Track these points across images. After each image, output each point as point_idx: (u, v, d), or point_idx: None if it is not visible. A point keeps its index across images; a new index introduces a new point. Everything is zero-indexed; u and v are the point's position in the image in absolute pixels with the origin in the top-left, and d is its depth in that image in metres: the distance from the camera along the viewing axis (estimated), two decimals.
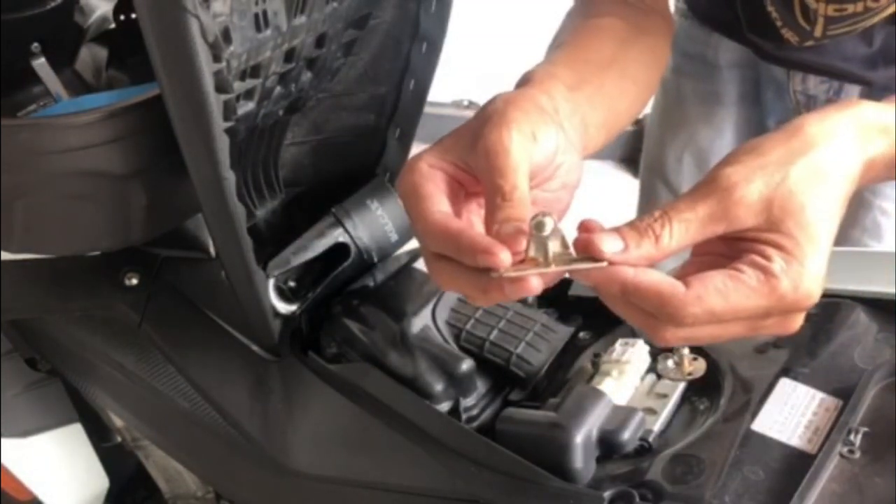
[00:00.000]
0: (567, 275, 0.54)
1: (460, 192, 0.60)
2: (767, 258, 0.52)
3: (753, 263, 0.52)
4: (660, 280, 0.52)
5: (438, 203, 0.56)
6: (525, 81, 0.66)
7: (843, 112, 0.56)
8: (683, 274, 0.54)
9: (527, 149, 0.57)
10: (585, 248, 0.52)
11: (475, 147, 0.57)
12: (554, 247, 0.52)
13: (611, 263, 0.52)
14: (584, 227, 0.54)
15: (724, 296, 0.51)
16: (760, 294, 0.51)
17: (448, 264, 0.55)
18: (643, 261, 0.52)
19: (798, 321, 0.54)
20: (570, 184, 0.62)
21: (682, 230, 0.52)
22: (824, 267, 0.53)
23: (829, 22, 0.93)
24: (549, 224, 0.51)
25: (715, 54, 1.13)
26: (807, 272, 0.52)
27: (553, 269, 0.52)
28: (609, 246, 0.52)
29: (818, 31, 0.95)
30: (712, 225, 0.53)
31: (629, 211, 1.39)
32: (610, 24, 0.79)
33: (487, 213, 0.55)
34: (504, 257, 0.51)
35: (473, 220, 0.61)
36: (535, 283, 0.52)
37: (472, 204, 0.61)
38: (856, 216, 1.09)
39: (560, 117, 0.62)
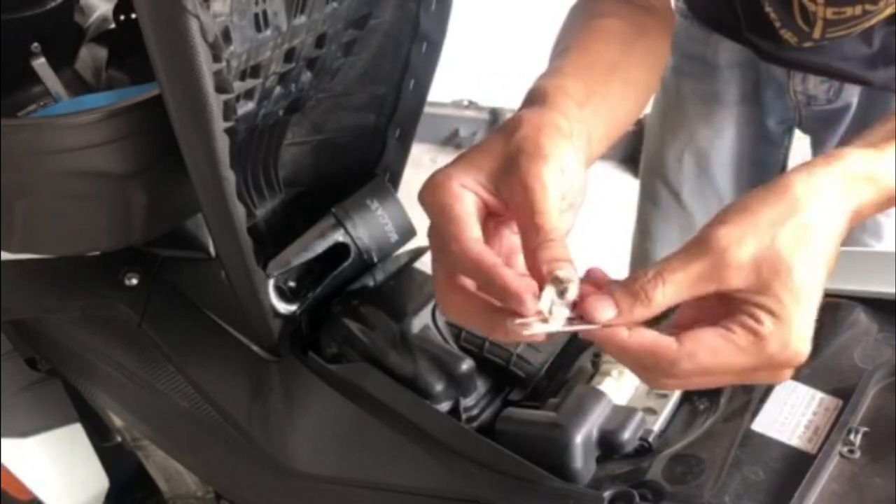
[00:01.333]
0: None
1: (490, 220, 0.60)
2: (757, 320, 0.53)
3: (743, 325, 0.54)
4: (653, 340, 0.54)
5: (472, 229, 0.57)
6: (539, 98, 0.66)
7: (829, 167, 0.57)
8: (677, 320, 0.57)
9: (559, 184, 0.58)
10: (582, 314, 0.54)
11: (509, 176, 0.58)
12: (562, 305, 0.54)
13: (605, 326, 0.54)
14: (590, 278, 0.56)
15: (715, 353, 0.53)
16: (750, 353, 0.53)
17: (461, 296, 0.57)
18: (636, 322, 0.55)
19: (787, 374, 0.56)
20: (576, 204, 0.62)
21: (674, 290, 0.54)
22: (811, 327, 0.54)
23: (828, 25, 0.93)
24: (572, 289, 0.54)
25: (714, 54, 1.13)
26: (795, 333, 0.53)
27: (557, 328, 0.54)
28: (603, 314, 0.54)
29: (817, 33, 0.95)
30: (703, 285, 0.54)
31: (629, 211, 1.39)
32: (613, 26, 0.79)
33: (527, 250, 0.56)
34: (531, 307, 0.53)
35: (504, 247, 0.62)
36: (540, 337, 0.55)
37: (502, 230, 0.61)
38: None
39: (573, 140, 0.62)
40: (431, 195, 0.58)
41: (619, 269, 0.74)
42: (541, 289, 0.54)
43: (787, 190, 0.56)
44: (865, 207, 0.58)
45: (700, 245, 0.54)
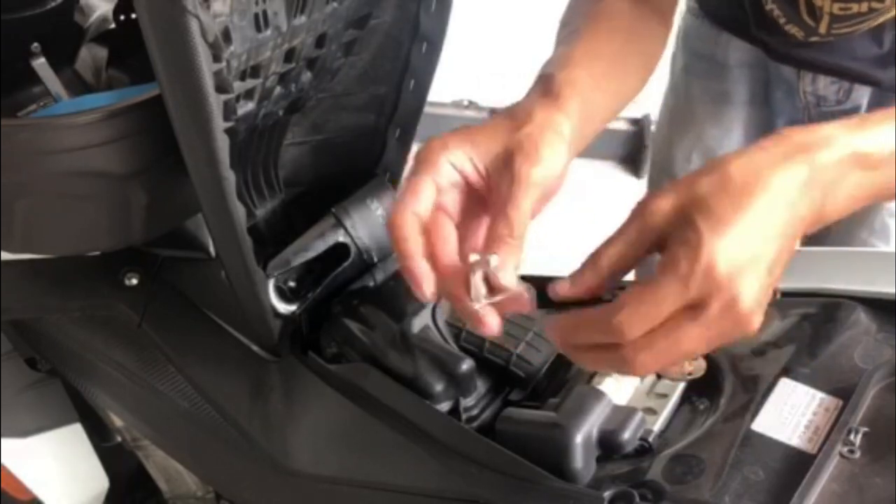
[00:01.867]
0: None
1: (468, 196, 0.65)
2: (674, 254, 0.54)
3: (663, 262, 0.54)
4: (588, 309, 0.57)
5: (421, 203, 0.61)
6: (549, 90, 0.68)
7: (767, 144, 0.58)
8: None
9: (543, 185, 0.62)
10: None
11: (502, 167, 0.62)
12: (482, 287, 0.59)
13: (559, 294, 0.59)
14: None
15: (640, 293, 0.54)
16: (670, 287, 0.53)
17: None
18: (585, 284, 0.58)
19: (743, 311, 0.53)
20: (551, 194, 0.65)
21: (614, 248, 0.57)
22: (740, 253, 0.53)
23: (833, 20, 0.93)
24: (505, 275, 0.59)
25: (724, 53, 1.13)
26: (714, 260, 0.52)
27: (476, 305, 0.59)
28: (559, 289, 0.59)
29: (823, 28, 0.94)
30: (635, 233, 0.56)
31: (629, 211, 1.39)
32: (619, 10, 0.80)
33: (491, 234, 0.60)
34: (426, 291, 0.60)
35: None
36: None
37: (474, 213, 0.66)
38: (864, 217, 1.09)
39: (569, 141, 0.65)
40: (419, 155, 0.64)
41: None
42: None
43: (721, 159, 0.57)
44: (828, 170, 0.56)
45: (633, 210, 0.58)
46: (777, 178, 0.54)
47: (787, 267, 0.57)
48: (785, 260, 0.57)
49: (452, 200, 0.64)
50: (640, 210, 0.56)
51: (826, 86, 1.06)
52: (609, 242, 0.57)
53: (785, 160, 0.55)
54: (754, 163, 0.54)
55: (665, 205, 0.55)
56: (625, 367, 0.56)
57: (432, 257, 0.61)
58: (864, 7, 0.90)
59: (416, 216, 0.61)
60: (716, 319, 0.53)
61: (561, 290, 0.59)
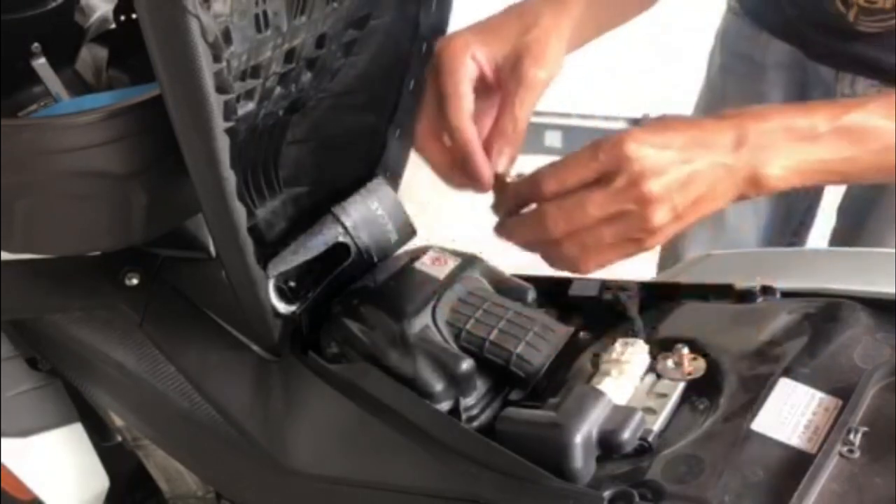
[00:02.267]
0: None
1: (479, 86, 0.74)
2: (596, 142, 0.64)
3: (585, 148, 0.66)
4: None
5: (469, 102, 0.72)
6: None
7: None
8: None
9: (545, 84, 0.72)
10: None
11: (511, 68, 0.72)
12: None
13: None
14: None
15: (560, 160, 0.65)
16: (585, 150, 0.64)
17: (438, 148, 0.75)
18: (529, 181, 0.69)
19: (646, 194, 0.62)
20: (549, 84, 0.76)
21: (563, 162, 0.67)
22: (653, 149, 0.62)
23: (861, 12, 0.93)
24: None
25: (763, 54, 1.13)
26: (621, 135, 0.62)
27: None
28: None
29: (851, 16, 0.94)
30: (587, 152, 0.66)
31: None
32: None
33: (497, 127, 0.71)
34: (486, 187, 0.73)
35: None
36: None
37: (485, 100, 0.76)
38: (893, 216, 1.09)
39: (571, 40, 0.75)
40: (447, 54, 0.73)
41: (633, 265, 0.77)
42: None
43: None
44: (758, 136, 0.65)
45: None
46: (706, 130, 0.64)
47: (709, 213, 0.66)
48: (704, 194, 0.64)
49: (471, 97, 0.74)
50: (594, 142, 0.66)
51: (865, 88, 1.04)
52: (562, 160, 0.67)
53: (719, 121, 0.65)
54: (692, 119, 0.67)
55: (613, 141, 0.64)
56: (540, 226, 0.65)
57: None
58: (889, 3, 0.89)
59: (469, 116, 0.72)
60: (620, 191, 0.62)
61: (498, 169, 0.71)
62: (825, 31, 1.00)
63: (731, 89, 1.19)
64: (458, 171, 0.74)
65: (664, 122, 0.63)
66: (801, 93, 1.12)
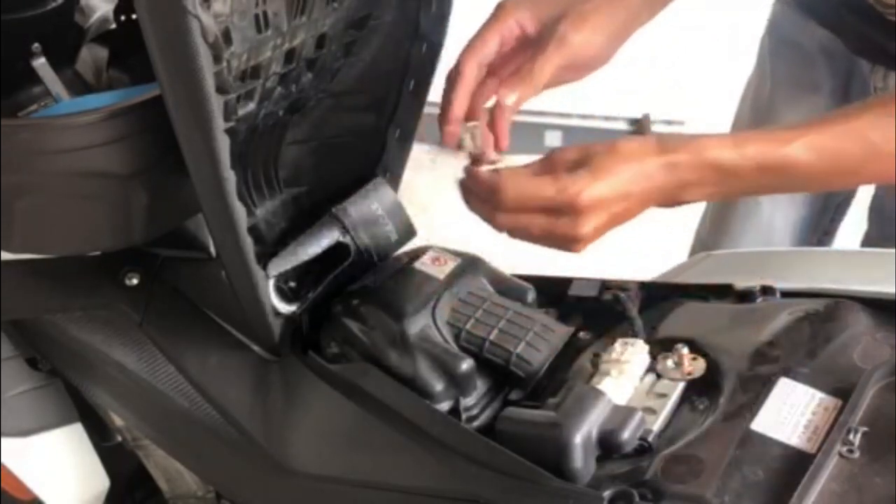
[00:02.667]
0: None
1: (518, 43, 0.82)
2: (562, 177, 0.72)
3: (553, 177, 0.73)
4: (491, 176, 0.75)
5: (487, 48, 0.79)
6: None
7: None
8: None
9: (579, 50, 0.79)
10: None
11: (552, 25, 0.78)
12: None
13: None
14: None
15: (528, 180, 0.73)
16: (550, 186, 0.72)
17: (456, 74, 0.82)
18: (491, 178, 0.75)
19: (580, 232, 0.73)
20: (587, 68, 0.83)
21: (527, 169, 0.75)
22: (599, 196, 0.72)
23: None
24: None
25: (811, 42, 1.13)
26: (580, 186, 0.71)
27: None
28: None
29: (887, 9, 0.95)
30: (547, 162, 0.75)
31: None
32: None
33: (518, 68, 0.79)
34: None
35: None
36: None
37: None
38: None
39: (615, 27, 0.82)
40: (496, 10, 0.80)
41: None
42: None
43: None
44: (682, 169, 0.74)
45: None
46: (642, 162, 0.73)
47: (635, 217, 0.76)
48: (633, 213, 0.75)
49: (506, 47, 0.81)
50: (552, 154, 0.75)
51: None
52: (526, 167, 0.75)
53: (652, 152, 0.73)
54: (634, 146, 0.73)
55: (571, 154, 0.74)
56: (492, 217, 0.74)
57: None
58: None
59: (478, 63, 0.79)
60: (560, 226, 0.73)
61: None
62: (863, 22, 1.01)
63: (780, 75, 1.19)
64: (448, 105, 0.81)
65: (614, 157, 0.73)
66: (847, 83, 1.13)
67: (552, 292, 0.86)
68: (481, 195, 0.74)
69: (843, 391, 0.69)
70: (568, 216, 0.72)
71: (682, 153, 0.73)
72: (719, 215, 1.31)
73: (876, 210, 1.19)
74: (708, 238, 1.33)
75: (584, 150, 0.74)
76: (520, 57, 0.80)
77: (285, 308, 0.81)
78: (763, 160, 0.73)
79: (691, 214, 1.31)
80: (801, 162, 0.74)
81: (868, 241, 1.22)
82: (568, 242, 0.74)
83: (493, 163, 0.76)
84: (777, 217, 1.23)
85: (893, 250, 0.87)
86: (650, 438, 0.69)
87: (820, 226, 1.25)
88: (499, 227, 0.75)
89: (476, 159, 0.77)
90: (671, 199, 0.75)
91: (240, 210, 0.70)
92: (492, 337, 0.76)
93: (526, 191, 0.72)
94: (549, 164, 0.74)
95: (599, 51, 0.80)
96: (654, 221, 0.80)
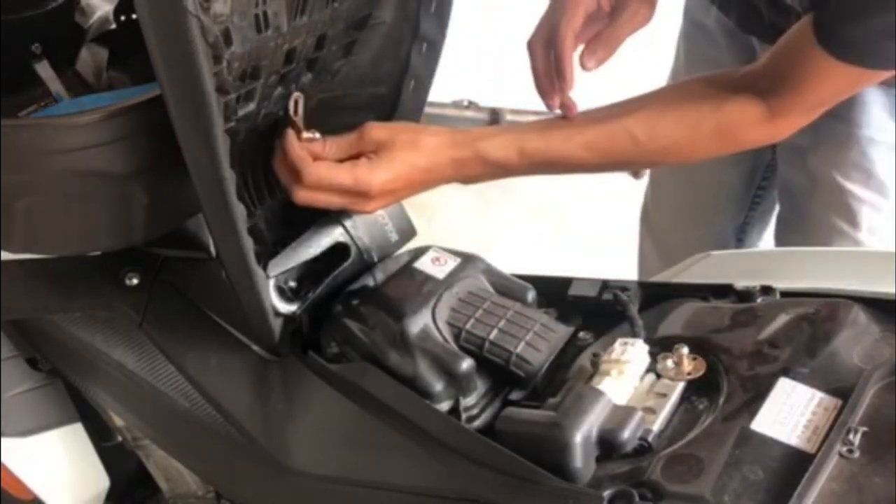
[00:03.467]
0: None
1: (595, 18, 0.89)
2: (360, 163, 0.79)
3: (353, 163, 0.79)
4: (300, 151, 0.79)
5: (577, 22, 0.87)
6: None
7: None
8: None
9: (647, 16, 0.89)
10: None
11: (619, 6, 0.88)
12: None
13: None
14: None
15: (331, 166, 0.78)
16: (349, 179, 0.78)
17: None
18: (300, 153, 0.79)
19: (367, 208, 0.80)
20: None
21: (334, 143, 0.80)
22: (388, 183, 0.79)
23: None
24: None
25: (714, 23, 1.17)
26: (379, 176, 0.78)
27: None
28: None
29: None
30: (355, 138, 0.80)
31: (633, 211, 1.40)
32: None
33: (599, 34, 0.88)
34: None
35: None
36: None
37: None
38: (829, 200, 1.10)
39: None
40: None
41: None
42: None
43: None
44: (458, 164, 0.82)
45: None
46: (433, 158, 0.80)
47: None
48: (414, 191, 0.82)
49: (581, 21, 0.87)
50: (363, 130, 0.80)
51: None
52: (338, 141, 0.80)
53: (444, 149, 0.81)
54: (431, 143, 0.80)
55: (379, 133, 0.80)
56: (292, 189, 0.78)
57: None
58: None
59: (575, 30, 0.86)
60: (351, 204, 0.80)
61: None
62: (753, 2, 1.03)
63: (692, 55, 1.24)
64: (550, 77, 0.88)
65: (412, 152, 0.80)
66: (751, 60, 1.14)
67: (552, 292, 0.86)
68: (287, 166, 0.79)
69: (842, 391, 0.69)
70: (359, 198, 0.80)
71: (469, 152, 0.82)
72: (658, 181, 1.39)
73: (784, 190, 1.21)
74: (649, 200, 1.41)
75: (391, 134, 0.80)
76: (587, 30, 0.88)
77: (285, 308, 0.81)
78: (542, 159, 0.84)
79: None
80: (576, 158, 0.85)
81: (781, 220, 1.24)
82: (357, 212, 0.84)
83: (309, 140, 0.79)
84: (712, 180, 1.28)
85: (893, 250, 0.87)
86: (650, 438, 0.69)
87: (753, 182, 1.28)
88: (296, 200, 0.80)
89: (297, 129, 0.79)
90: (458, 183, 0.86)
91: (240, 210, 0.70)
92: (492, 337, 0.77)
93: (324, 176, 0.78)
94: (357, 142, 0.80)
95: (650, 19, 0.89)
96: None
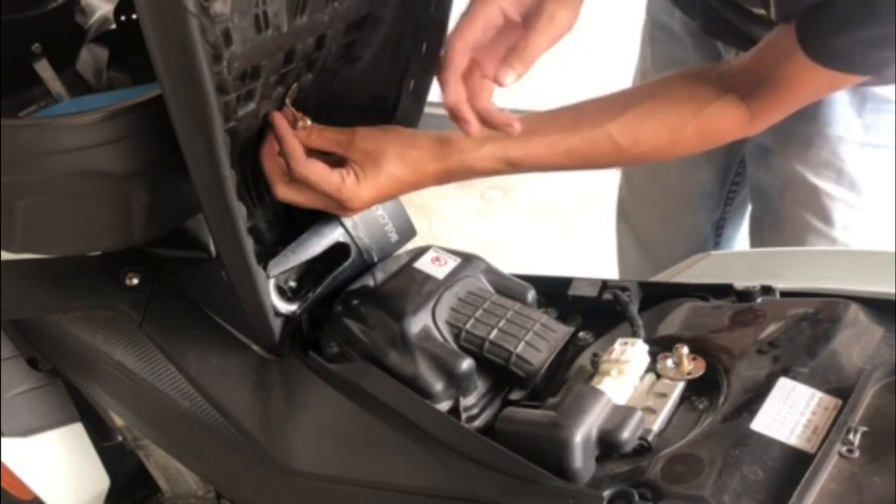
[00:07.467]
0: None
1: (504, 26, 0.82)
2: (344, 171, 0.80)
3: (339, 171, 0.80)
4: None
5: (473, 33, 0.79)
6: None
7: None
8: None
9: (566, 23, 0.80)
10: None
11: (537, 7, 0.79)
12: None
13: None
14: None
15: (320, 169, 0.78)
16: (336, 189, 0.79)
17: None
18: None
19: (349, 212, 0.82)
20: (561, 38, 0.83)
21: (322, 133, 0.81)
22: (375, 191, 0.80)
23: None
24: None
25: (678, 24, 1.17)
26: (364, 189, 0.79)
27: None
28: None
29: None
30: (342, 135, 0.81)
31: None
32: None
33: (513, 46, 0.78)
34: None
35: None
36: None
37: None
38: (801, 199, 1.11)
39: None
40: (477, 2, 0.81)
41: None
42: None
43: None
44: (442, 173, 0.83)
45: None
46: (420, 173, 0.82)
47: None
48: (399, 193, 0.83)
49: (487, 35, 0.81)
50: (354, 134, 0.81)
51: None
52: (332, 137, 0.81)
53: (429, 162, 0.82)
54: (416, 156, 0.81)
55: (368, 142, 0.80)
56: (275, 182, 0.79)
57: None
58: None
59: (467, 48, 0.79)
60: (331, 208, 0.81)
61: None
62: (708, 3, 1.04)
63: (657, 56, 1.24)
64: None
65: (397, 166, 0.81)
66: (717, 59, 1.15)
67: (552, 292, 0.87)
68: (275, 160, 0.80)
69: (842, 391, 0.69)
70: (340, 207, 0.80)
71: (455, 164, 0.83)
72: (633, 178, 1.39)
73: (755, 189, 1.21)
74: (626, 198, 1.41)
75: (379, 146, 0.81)
76: (499, 44, 0.82)
77: (285, 308, 0.81)
78: (527, 166, 0.85)
79: None
80: (559, 164, 0.86)
81: (754, 219, 1.25)
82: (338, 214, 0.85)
83: (301, 126, 0.80)
84: (686, 178, 1.28)
85: (893, 250, 0.87)
86: (650, 438, 0.69)
87: (728, 179, 1.29)
88: (277, 193, 0.80)
89: (290, 118, 0.80)
90: (443, 180, 0.85)
91: (240, 210, 0.70)
92: (492, 337, 0.77)
93: (310, 177, 0.78)
94: (345, 147, 0.81)
95: (572, 25, 0.83)
96: None
